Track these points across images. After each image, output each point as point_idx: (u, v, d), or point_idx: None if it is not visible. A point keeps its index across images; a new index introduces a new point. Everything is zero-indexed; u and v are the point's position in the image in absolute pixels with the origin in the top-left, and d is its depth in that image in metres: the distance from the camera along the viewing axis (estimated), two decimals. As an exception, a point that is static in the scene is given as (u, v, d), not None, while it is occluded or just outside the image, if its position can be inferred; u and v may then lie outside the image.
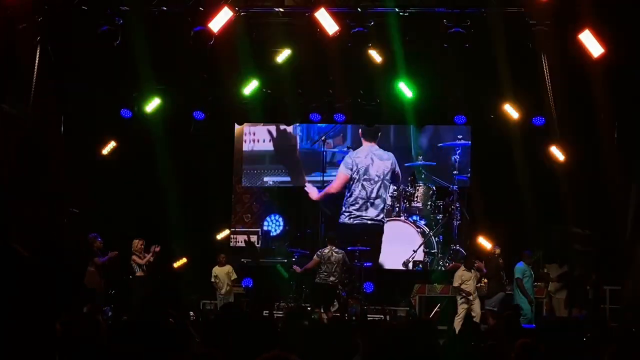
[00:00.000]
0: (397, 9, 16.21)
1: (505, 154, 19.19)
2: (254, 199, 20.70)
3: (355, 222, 19.22)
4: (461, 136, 19.93)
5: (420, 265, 19.40)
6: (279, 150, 20.88)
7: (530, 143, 19.10)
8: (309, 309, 17.93)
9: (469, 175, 19.53)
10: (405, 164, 19.94)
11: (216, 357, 4.85)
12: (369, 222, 19.20)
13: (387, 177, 19.28)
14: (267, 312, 17.25)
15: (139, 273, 18.25)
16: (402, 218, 19.14)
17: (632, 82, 16.75)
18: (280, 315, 16.82)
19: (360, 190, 19.38)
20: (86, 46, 16.98)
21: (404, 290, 19.67)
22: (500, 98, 18.75)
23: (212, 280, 18.86)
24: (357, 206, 19.33)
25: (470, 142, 19.71)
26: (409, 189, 19.53)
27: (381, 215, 19.41)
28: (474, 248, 19.71)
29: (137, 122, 19.79)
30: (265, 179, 20.59)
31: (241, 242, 19.85)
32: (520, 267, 17.56)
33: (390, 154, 19.43)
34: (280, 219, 20.53)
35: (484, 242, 19.49)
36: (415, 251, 18.97)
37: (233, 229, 20.24)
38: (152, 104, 19.47)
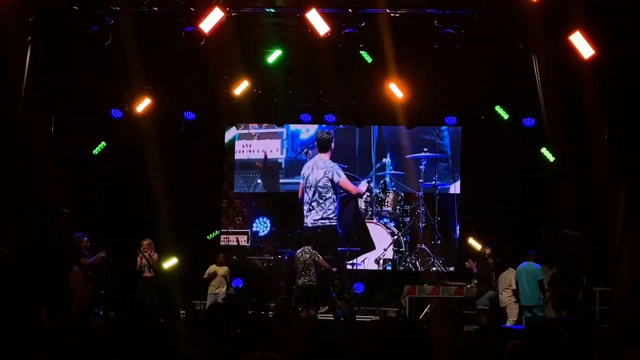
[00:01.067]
0: (388, 10, 16.22)
1: (495, 155, 19.24)
2: (244, 204, 22.04)
3: (309, 223, 20.77)
4: (426, 149, 21.19)
5: (390, 263, 20.82)
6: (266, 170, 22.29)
7: (521, 144, 19.16)
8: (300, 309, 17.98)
9: (433, 182, 20.80)
10: (377, 173, 21.42)
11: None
12: (318, 222, 20.71)
13: (320, 184, 20.58)
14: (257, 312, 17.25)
15: (146, 274, 18.14)
16: (374, 220, 21.04)
17: (623, 83, 16.79)
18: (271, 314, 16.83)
19: (307, 196, 20.83)
20: (77, 46, 16.94)
21: (394, 291, 19.72)
22: (490, 99, 18.81)
23: (206, 276, 18.76)
24: (305, 209, 20.87)
25: (434, 154, 21.03)
26: (380, 194, 21.17)
27: (326, 218, 20.70)
28: (465, 249, 19.80)
29: (128, 122, 19.76)
30: (259, 180, 22.02)
31: (233, 241, 21.38)
32: (538, 267, 17.62)
33: (328, 165, 20.70)
34: (268, 221, 21.78)
35: (474, 243, 19.54)
36: (385, 250, 20.65)
37: (225, 230, 21.54)
38: (143, 104, 19.44)
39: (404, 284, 19.02)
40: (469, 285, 18.53)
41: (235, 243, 21.45)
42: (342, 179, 20.74)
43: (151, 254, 18.26)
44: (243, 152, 22.28)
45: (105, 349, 6.90)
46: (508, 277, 17.83)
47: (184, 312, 17.67)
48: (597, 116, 17.59)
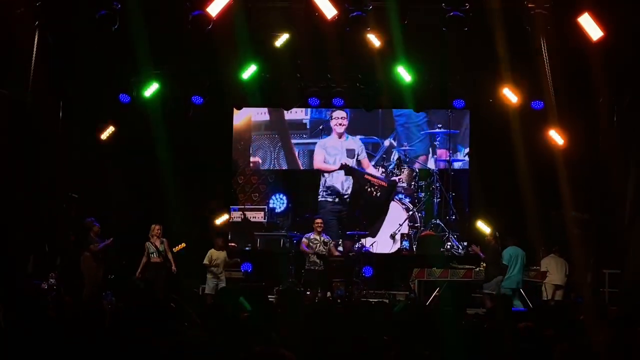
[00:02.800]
0: (395, -7, 16.15)
1: (503, 138, 19.20)
2: (261, 181, 22.21)
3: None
4: (440, 125, 21.40)
5: (407, 239, 21.11)
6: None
7: (529, 127, 19.10)
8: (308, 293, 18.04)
9: (447, 158, 21.04)
10: (393, 149, 21.57)
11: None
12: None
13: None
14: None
15: (154, 259, 17.99)
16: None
17: (631, 65, 16.73)
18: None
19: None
20: (84, 30, 16.92)
21: (403, 275, 19.74)
22: (499, 82, 18.74)
23: (206, 262, 18.63)
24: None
25: (449, 130, 21.20)
26: (395, 170, 21.44)
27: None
28: (473, 233, 19.79)
29: (136, 106, 19.76)
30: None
31: (251, 218, 21.71)
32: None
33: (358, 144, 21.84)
34: (284, 197, 21.90)
35: (483, 226, 19.53)
36: (400, 225, 20.93)
37: (242, 207, 21.72)
38: (151, 89, 19.45)
39: (412, 268, 19.03)
40: (477, 268, 18.52)
41: (253, 219, 21.71)
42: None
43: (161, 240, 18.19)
44: (264, 113, 22.56)
45: (115, 332, 6.95)
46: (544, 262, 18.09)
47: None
48: (606, 98, 17.56)
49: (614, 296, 17.61)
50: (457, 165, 21.37)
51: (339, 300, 16.58)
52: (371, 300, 17.72)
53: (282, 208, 21.83)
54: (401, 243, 21.01)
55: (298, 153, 22.25)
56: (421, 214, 21.07)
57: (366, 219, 21.00)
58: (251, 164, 22.35)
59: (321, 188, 21.74)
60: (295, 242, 20.10)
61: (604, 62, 15.90)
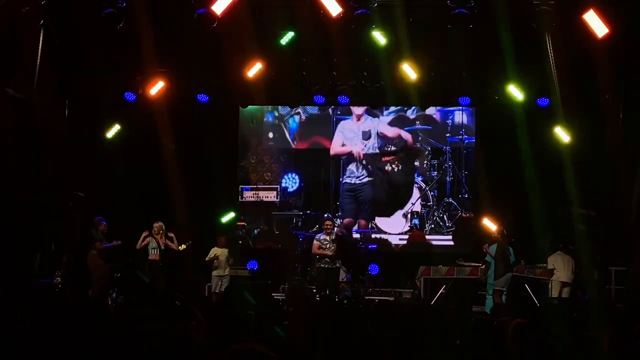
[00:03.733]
0: (400, -10, 16.15)
1: (509, 136, 19.16)
2: (273, 160, 22.18)
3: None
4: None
5: (417, 216, 21.03)
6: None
7: (535, 124, 19.07)
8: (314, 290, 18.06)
9: (460, 137, 21.02)
10: (405, 128, 21.50)
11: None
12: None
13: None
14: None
15: (152, 256, 18.13)
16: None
17: (637, 61, 16.69)
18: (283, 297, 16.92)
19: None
20: (90, 29, 16.94)
21: (408, 272, 19.71)
22: (504, 79, 18.71)
23: (209, 258, 18.71)
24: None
25: (462, 108, 20.98)
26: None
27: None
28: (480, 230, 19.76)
29: (141, 105, 19.77)
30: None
31: (263, 197, 21.55)
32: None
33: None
34: (297, 177, 21.91)
35: (489, 224, 19.50)
36: (413, 204, 20.96)
37: (255, 186, 21.74)
38: (156, 87, 19.46)
39: (418, 265, 19.01)
40: (483, 266, 18.49)
41: (265, 199, 21.60)
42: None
43: (162, 237, 18.26)
44: None
45: (119, 331, 6.94)
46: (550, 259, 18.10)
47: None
48: (612, 95, 17.52)
49: (620, 293, 17.59)
50: (470, 143, 21.23)
51: (345, 302, 16.55)
52: (374, 298, 17.76)
53: (295, 187, 21.82)
54: (411, 221, 21.03)
55: (302, 112, 22.23)
56: (434, 192, 21.08)
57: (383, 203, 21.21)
58: (269, 142, 22.29)
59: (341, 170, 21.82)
60: (301, 240, 20.11)
61: (609, 59, 15.86)
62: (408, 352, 6.25)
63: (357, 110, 21.71)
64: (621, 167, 17.33)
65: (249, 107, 22.03)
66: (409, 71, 18.48)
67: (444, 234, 20.77)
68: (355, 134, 21.78)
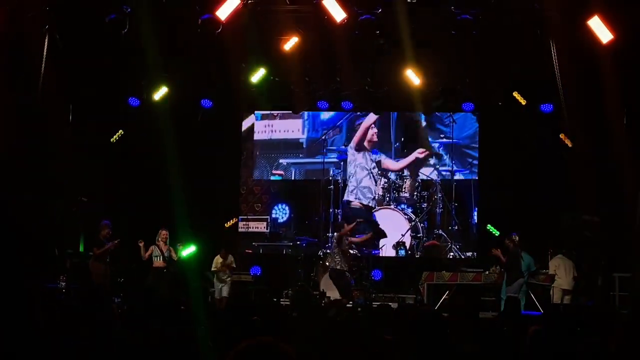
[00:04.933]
0: (404, -4, 16.15)
1: (513, 141, 19.16)
2: (263, 191, 22.17)
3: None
4: (443, 135, 21.32)
5: (402, 248, 20.78)
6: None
7: (539, 130, 19.06)
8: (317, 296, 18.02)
9: (450, 169, 20.97)
10: (396, 159, 21.48)
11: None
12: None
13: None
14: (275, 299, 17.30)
15: (157, 264, 18.19)
16: (392, 206, 21.10)
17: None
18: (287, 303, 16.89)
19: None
20: (94, 34, 16.97)
21: (412, 278, 19.70)
22: (508, 85, 18.72)
23: (214, 268, 18.88)
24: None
25: (452, 140, 21.06)
26: (398, 180, 21.31)
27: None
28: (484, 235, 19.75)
29: (145, 110, 19.79)
30: (281, 160, 22.13)
31: (253, 228, 21.64)
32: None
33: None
34: (287, 208, 21.87)
35: (492, 229, 19.50)
36: (403, 235, 20.68)
37: (245, 217, 21.76)
38: (160, 92, 19.48)
39: (422, 271, 19.00)
40: (487, 272, 18.48)
41: (256, 229, 21.69)
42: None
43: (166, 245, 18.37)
44: (265, 132, 22.41)
45: (123, 336, 6.95)
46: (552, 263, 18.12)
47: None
48: (616, 101, 17.49)
49: (624, 299, 17.57)
50: (459, 176, 21.20)
51: (359, 309, 16.49)
52: (374, 303, 17.75)
53: (285, 218, 21.84)
54: (397, 252, 20.76)
55: (294, 172, 22.25)
56: (424, 224, 20.98)
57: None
58: (255, 172, 22.43)
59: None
60: (304, 246, 20.13)
61: (614, 65, 15.85)
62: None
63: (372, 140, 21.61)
64: (625, 173, 17.29)
65: (237, 137, 22.28)
66: (413, 77, 18.48)
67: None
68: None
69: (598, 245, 17.81)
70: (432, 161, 21.36)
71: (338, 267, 18.19)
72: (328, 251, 19.37)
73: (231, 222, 21.66)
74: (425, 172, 21.29)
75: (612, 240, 18.06)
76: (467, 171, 21.23)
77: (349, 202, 21.27)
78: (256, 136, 22.35)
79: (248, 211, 22.03)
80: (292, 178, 22.28)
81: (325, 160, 21.58)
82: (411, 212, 21.02)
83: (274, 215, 21.82)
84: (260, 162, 22.35)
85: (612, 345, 7.00)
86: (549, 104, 18.75)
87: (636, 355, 6.96)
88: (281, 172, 22.06)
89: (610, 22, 15.22)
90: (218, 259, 18.80)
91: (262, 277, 20.42)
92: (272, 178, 21.81)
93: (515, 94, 18.80)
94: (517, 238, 18.02)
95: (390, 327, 7.59)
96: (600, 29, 15.21)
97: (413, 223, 20.92)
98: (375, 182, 21.21)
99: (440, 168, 21.14)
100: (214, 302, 17.38)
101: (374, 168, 21.28)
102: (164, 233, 18.25)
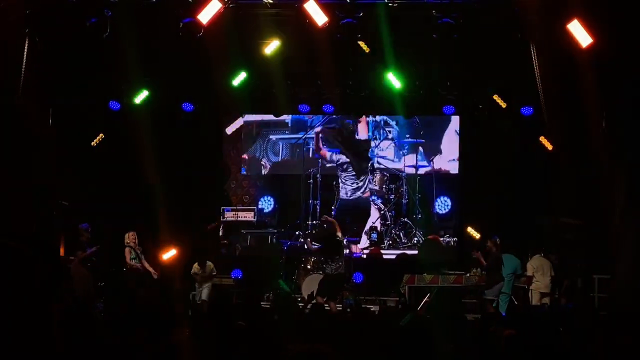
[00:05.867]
0: (386, 0, 16.21)
1: (493, 144, 19.26)
2: (251, 185, 23.66)
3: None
4: (408, 135, 22.76)
5: (375, 232, 22.21)
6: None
7: (519, 133, 19.16)
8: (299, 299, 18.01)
9: (414, 164, 22.35)
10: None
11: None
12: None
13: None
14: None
15: (135, 265, 18.18)
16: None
17: (621, 71, 16.78)
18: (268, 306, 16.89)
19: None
20: (75, 37, 16.92)
21: (393, 281, 19.72)
22: (488, 88, 18.81)
23: (194, 272, 18.89)
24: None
25: (420, 140, 22.58)
26: (369, 175, 22.87)
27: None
28: (465, 238, 19.81)
29: (126, 114, 19.75)
30: (271, 136, 23.56)
31: (242, 217, 22.70)
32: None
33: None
34: (272, 199, 23.29)
35: (473, 232, 19.56)
36: (373, 223, 22.48)
37: (235, 207, 22.86)
38: (141, 96, 19.44)
39: (403, 273, 19.03)
40: (468, 274, 18.52)
41: (244, 219, 22.74)
42: None
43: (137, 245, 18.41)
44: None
45: (106, 340, 6.95)
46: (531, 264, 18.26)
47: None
48: (595, 104, 17.60)
49: (603, 301, 17.67)
50: (422, 170, 22.53)
51: (348, 310, 16.51)
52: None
53: (270, 208, 23.24)
54: (370, 236, 22.20)
55: (281, 147, 23.60)
56: (391, 213, 22.45)
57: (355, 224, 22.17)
58: (243, 168, 23.49)
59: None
60: (285, 249, 20.17)
61: (593, 68, 15.95)
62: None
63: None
64: (604, 176, 17.40)
65: (229, 137, 23.19)
66: (394, 80, 18.53)
67: (400, 249, 21.66)
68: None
69: (578, 248, 17.91)
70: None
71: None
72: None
73: (213, 225, 21.64)
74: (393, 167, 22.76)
75: (591, 242, 18.17)
76: (429, 166, 22.27)
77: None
78: (247, 117, 23.28)
79: (237, 202, 23.31)
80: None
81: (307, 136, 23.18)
82: (381, 202, 22.67)
83: (260, 206, 23.01)
84: (258, 145, 23.46)
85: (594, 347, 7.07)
86: (529, 107, 18.85)
87: (617, 355, 7.03)
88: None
89: (590, 26, 15.32)
90: (196, 267, 18.82)
91: (243, 280, 20.40)
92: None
93: (495, 97, 18.89)
94: (499, 241, 18.10)
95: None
96: (580, 33, 15.31)
97: (382, 212, 22.48)
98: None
99: (407, 164, 22.53)
100: (195, 305, 17.35)
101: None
102: (132, 235, 18.27)
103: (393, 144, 22.92)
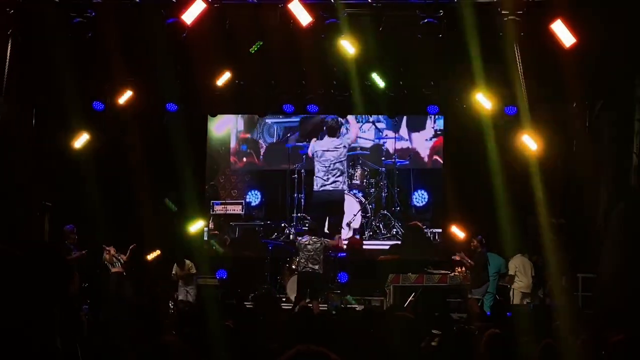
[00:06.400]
0: (370, 0, 16.22)
1: (477, 144, 19.29)
2: (239, 180, 24.27)
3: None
4: (387, 133, 23.44)
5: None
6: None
7: (503, 132, 19.20)
8: (284, 299, 18.04)
9: (393, 160, 22.97)
10: (348, 153, 23.05)
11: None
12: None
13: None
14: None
15: (115, 269, 18.20)
16: (346, 191, 23.42)
17: (604, 71, 16.88)
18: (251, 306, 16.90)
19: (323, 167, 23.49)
20: (58, 38, 16.85)
21: (377, 280, 19.73)
22: (472, 88, 18.83)
23: (174, 274, 18.94)
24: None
25: (396, 136, 23.13)
26: (350, 170, 23.40)
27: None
28: (449, 239, 19.83)
29: (110, 114, 19.69)
30: (267, 120, 23.93)
31: (231, 210, 23.54)
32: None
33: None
34: (259, 193, 23.82)
35: (457, 232, 19.59)
36: (355, 215, 22.95)
37: (224, 201, 23.56)
38: (125, 96, 19.36)
39: (387, 273, 19.03)
40: (452, 274, 18.53)
41: (233, 212, 23.46)
42: None
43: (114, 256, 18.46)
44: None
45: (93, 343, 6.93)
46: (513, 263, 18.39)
47: (172, 304, 17.76)
48: (578, 103, 17.70)
49: (587, 300, 17.75)
50: (401, 165, 23.11)
51: (334, 312, 16.49)
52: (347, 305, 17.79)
53: (257, 202, 23.81)
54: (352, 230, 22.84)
55: (275, 129, 24.10)
56: (372, 205, 23.05)
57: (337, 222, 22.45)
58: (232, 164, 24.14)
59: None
60: (270, 249, 20.16)
61: (576, 68, 16.02)
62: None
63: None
64: (588, 175, 17.49)
65: (218, 135, 23.67)
66: (378, 80, 18.56)
67: (380, 240, 22.22)
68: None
69: (562, 247, 17.96)
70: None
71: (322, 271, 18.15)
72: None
73: (196, 226, 21.57)
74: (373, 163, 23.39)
75: (575, 241, 18.24)
76: (407, 162, 22.89)
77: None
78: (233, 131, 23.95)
79: (226, 196, 23.91)
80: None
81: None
82: (362, 196, 23.24)
83: (247, 200, 23.50)
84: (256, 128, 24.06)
85: (580, 346, 7.10)
86: (513, 106, 18.89)
87: (602, 353, 7.06)
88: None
89: (573, 26, 15.39)
90: (176, 268, 18.89)
91: (228, 280, 20.40)
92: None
93: (479, 96, 18.91)
94: (484, 240, 18.16)
95: None
96: (563, 33, 15.38)
97: (363, 205, 23.09)
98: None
99: (384, 160, 23.07)
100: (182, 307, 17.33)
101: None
102: (107, 254, 18.39)
103: (373, 127, 23.42)
